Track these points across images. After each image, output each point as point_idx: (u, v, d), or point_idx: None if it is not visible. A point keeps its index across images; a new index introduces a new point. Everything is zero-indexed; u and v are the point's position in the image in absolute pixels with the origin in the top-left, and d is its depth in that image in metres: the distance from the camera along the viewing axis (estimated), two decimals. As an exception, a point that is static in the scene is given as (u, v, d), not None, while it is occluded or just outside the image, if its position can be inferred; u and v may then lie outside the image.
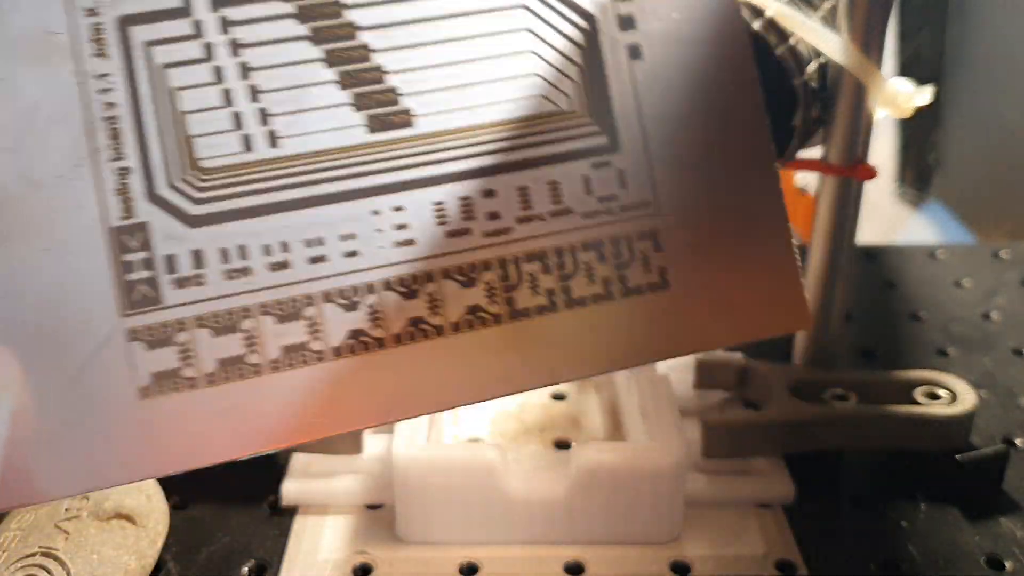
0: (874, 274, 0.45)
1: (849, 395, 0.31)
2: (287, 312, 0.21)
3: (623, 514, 0.28)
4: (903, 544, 0.28)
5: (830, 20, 0.31)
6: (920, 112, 0.30)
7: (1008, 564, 0.27)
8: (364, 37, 0.22)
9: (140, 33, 0.21)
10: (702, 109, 0.24)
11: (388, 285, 0.22)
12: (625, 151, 0.23)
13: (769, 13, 0.29)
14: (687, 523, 0.28)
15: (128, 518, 0.26)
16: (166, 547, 0.27)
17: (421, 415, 0.22)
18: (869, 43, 0.28)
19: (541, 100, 0.23)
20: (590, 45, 0.23)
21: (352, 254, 0.22)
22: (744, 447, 0.30)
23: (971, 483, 0.30)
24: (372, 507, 0.29)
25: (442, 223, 0.22)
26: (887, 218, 0.72)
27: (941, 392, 0.31)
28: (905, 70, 0.67)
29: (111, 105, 0.21)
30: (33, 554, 0.24)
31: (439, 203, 0.22)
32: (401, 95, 0.22)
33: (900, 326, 0.40)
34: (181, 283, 0.21)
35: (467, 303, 0.22)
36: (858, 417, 0.30)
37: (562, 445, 0.32)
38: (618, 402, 0.33)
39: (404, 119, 0.22)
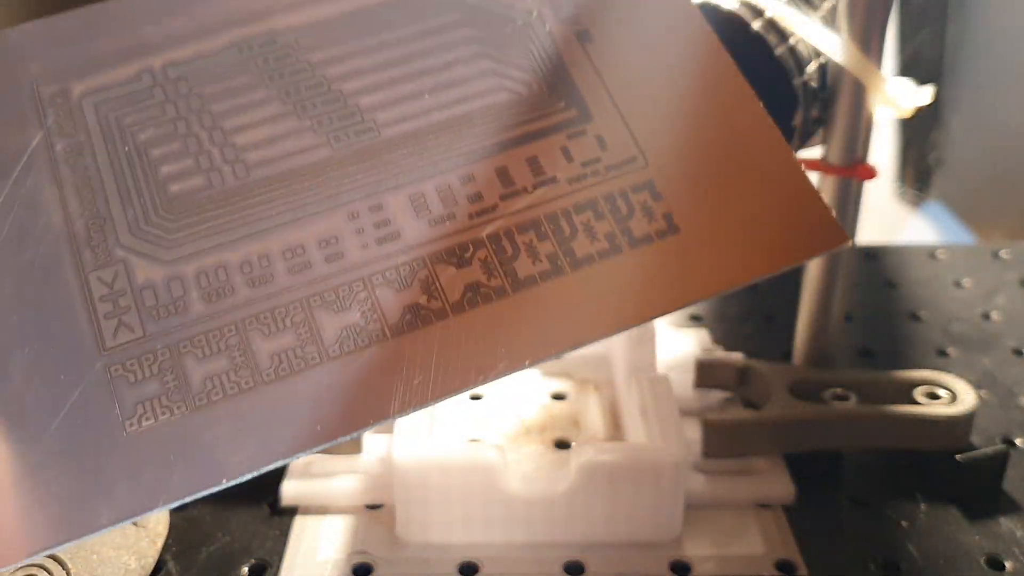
0: (874, 274, 0.45)
1: (849, 395, 0.31)
2: (274, 323, 0.21)
3: (623, 514, 0.28)
4: (903, 544, 0.28)
5: (830, 20, 0.31)
6: (920, 112, 0.30)
7: (1008, 564, 0.27)
8: (323, 71, 0.24)
9: (99, 100, 0.23)
10: (663, 63, 0.24)
11: (379, 280, 0.22)
12: (598, 119, 0.24)
13: (769, 13, 0.29)
14: (687, 523, 0.28)
15: (128, 518, 0.26)
16: (166, 547, 0.27)
17: (436, 402, 0.21)
18: (869, 43, 0.28)
19: (502, 92, 0.24)
20: (537, 37, 0.24)
21: (336, 256, 0.22)
22: (744, 447, 0.30)
23: (971, 483, 0.30)
24: (372, 507, 0.29)
25: (424, 213, 0.22)
26: (887, 218, 0.72)
27: (941, 392, 0.31)
28: (905, 70, 0.67)
29: (83, 167, 0.23)
30: (33, 554, 0.24)
31: (418, 195, 0.23)
32: (364, 111, 0.23)
33: (900, 326, 0.40)
34: (161, 312, 0.21)
35: (465, 281, 0.22)
36: (858, 417, 0.30)
37: (562, 445, 0.32)
38: (618, 402, 0.33)
39: (368, 129, 0.23)
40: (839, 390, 0.31)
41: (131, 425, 0.20)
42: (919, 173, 0.72)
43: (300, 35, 0.24)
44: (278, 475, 0.30)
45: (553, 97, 0.24)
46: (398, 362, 0.21)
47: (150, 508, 0.20)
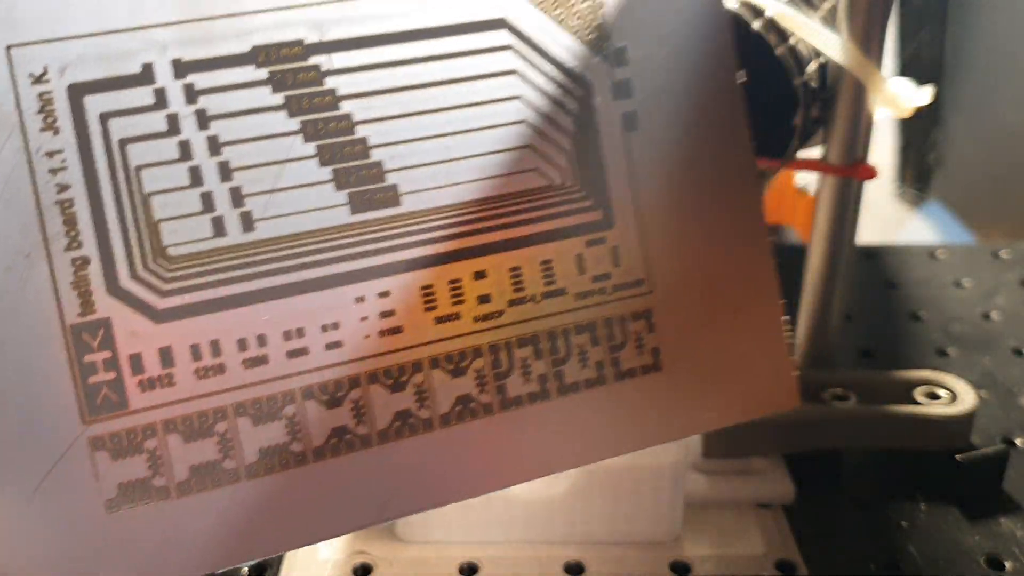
0: (874, 274, 0.45)
1: (849, 395, 0.31)
2: (265, 412, 0.20)
3: (623, 514, 0.28)
4: (903, 544, 0.28)
5: (830, 20, 0.31)
6: (920, 112, 0.30)
7: (1008, 564, 0.27)
8: (346, 107, 0.21)
9: (95, 103, 0.19)
10: (696, 184, 0.22)
11: (374, 378, 0.20)
12: (619, 227, 0.22)
13: (769, 13, 0.29)
14: (687, 523, 0.28)
15: (128, 518, 0.26)
16: (166, 547, 0.27)
17: (412, 513, 0.21)
18: (869, 43, 0.28)
19: (534, 174, 0.22)
20: (584, 114, 0.22)
21: (335, 345, 0.20)
22: (744, 447, 0.30)
23: (971, 483, 0.30)
24: (372, 507, 0.29)
25: (430, 308, 0.21)
26: (887, 218, 0.72)
27: (941, 392, 0.31)
28: (905, 70, 0.67)
29: (64, 187, 0.19)
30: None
31: (428, 287, 0.21)
32: (387, 171, 0.21)
33: (900, 326, 0.40)
34: (148, 384, 0.19)
35: (457, 393, 0.21)
36: (858, 417, 0.30)
37: (562, 445, 0.32)
38: (618, 402, 0.33)
39: (389, 197, 0.21)
40: (839, 390, 0.31)
41: (113, 507, 0.19)
42: (919, 173, 0.72)
43: (334, 55, 0.21)
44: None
45: (583, 192, 0.22)
46: (382, 471, 0.20)
47: None
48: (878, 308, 0.42)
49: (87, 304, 0.19)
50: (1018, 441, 0.33)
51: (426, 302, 0.21)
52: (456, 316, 0.21)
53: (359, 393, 0.20)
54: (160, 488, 0.19)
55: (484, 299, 0.21)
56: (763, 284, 0.23)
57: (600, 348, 0.22)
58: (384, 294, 0.21)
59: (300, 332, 0.20)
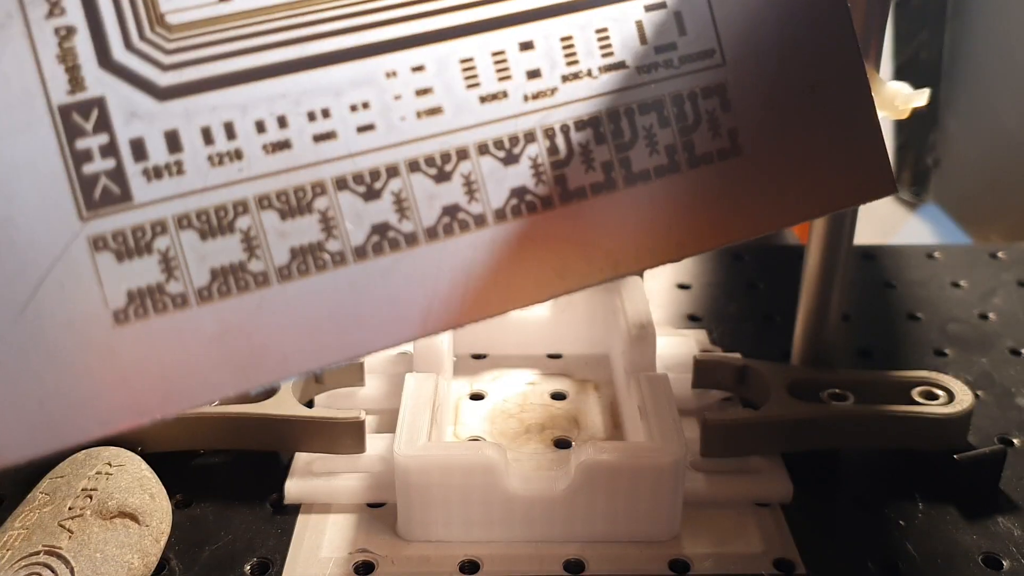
0: (872, 274, 0.45)
1: (847, 395, 0.31)
2: (293, 205, 0.17)
3: (623, 512, 0.28)
4: (901, 543, 0.29)
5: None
6: (918, 114, 0.30)
7: (1006, 563, 0.28)
8: None
9: None
10: None
11: (414, 166, 0.18)
12: None
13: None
14: (686, 521, 0.29)
15: (132, 517, 0.26)
16: (169, 545, 0.28)
17: (458, 326, 0.18)
18: (867, 45, 0.29)
19: None
20: None
21: (367, 128, 0.18)
22: (743, 446, 0.30)
23: (969, 482, 0.30)
24: (374, 505, 0.30)
25: (473, 85, 0.19)
26: (884, 220, 0.73)
27: (938, 392, 0.31)
28: (903, 72, 0.67)
29: None
30: (37, 552, 0.25)
31: (467, 60, 0.18)
32: None
33: (898, 326, 0.41)
34: (154, 174, 0.17)
35: (510, 185, 0.19)
36: (856, 417, 0.30)
37: (562, 444, 0.32)
38: (618, 401, 0.34)
39: None
40: (837, 390, 0.31)
41: (121, 317, 0.17)
42: (916, 175, 0.72)
43: None
44: (281, 473, 0.30)
45: None
46: (431, 273, 0.18)
47: (142, 421, 0.17)
48: (876, 308, 0.42)
49: (76, 81, 0.17)
50: (1015, 441, 0.33)
51: (467, 78, 0.19)
52: (503, 94, 0.19)
53: (399, 184, 0.18)
54: (177, 295, 0.17)
55: (533, 74, 0.19)
56: (846, 55, 0.20)
57: (670, 130, 0.20)
58: (418, 68, 0.18)
59: (326, 113, 0.18)
